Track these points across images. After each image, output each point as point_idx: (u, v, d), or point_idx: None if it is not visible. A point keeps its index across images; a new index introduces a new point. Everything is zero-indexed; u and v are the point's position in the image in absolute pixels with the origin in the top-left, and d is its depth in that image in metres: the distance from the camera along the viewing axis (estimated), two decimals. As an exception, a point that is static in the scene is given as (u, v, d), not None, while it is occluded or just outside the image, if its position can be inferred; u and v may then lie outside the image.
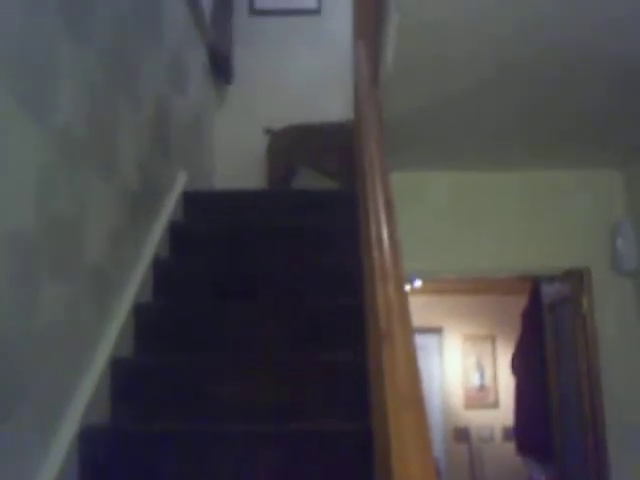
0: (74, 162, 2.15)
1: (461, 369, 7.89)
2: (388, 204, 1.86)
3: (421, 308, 6.98)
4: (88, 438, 2.04)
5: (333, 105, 4.68)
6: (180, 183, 3.47)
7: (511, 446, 6.45)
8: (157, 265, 2.87)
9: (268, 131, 4.15)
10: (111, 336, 2.37)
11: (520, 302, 5.86)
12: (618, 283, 4.23)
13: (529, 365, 5.62)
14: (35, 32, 1.89)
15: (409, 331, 1.36)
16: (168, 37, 3.40)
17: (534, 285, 5.46)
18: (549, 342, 5.04)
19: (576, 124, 3.75)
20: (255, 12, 5.11)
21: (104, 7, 2.47)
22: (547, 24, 2.79)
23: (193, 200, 3.48)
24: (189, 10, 3.85)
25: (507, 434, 7.26)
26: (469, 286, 7.13)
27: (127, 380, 2.33)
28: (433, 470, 1.03)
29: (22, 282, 1.78)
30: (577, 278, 4.32)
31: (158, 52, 3.22)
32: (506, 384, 7.33)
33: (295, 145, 4.10)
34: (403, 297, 1.46)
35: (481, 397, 7.79)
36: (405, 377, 1.23)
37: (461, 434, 7.65)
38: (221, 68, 4.63)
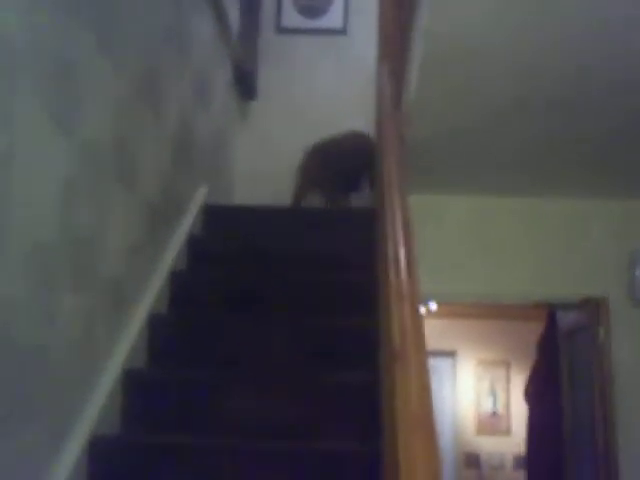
0: (97, 175, 2.17)
1: (474, 394, 7.83)
2: (406, 225, 1.87)
3: (435, 331, 6.95)
4: (98, 449, 2.04)
5: (356, 126, 4.69)
6: (200, 197, 3.49)
7: (521, 474, 6.38)
8: (174, 278, 2.89)
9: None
10: (125, 348, 2.38)
11: (535, 329, 5.82)
12: (635, 313, 4.19)
13: (543, 393, 5.57)
14: (68, 47, 1.92)
15: (423, 352, 1.36)
16: (194, 53, 3.44)
17: (550, 312, 5.42)
18: (564, 370, 5.00)
19: (594, 153, 3.74)
20: (281, 30, 5.16)
21: (134, 23, 2.50)
22: (565, 56, 2.80)
23: (213, 214, 3.50)
24: (216, 26, 3.89)
25: (518, 462, 7.17)
26: (484, 311, 7.09)
27: (139, 392, 2.34)
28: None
29: (42, 292, 1.80)
30: (594, 307, 4.28)
31: (184, 67, 3.25)
32: (519, 411, 7.26)
33: (324, 168, 4.18)
34: (418, 318, 1.46)
35: (493, 423, 7.72)
36: (417, 398, 1.23)
37: (471, 460, 7.57)
38: (245, 85, 4.67)
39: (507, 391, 7.76)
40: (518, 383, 7.25)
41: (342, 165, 4.13)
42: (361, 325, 2.53)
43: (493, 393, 7.81)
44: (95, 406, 2.12)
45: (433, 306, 6.42)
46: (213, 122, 3.92)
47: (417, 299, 1.55)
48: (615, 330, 4.18)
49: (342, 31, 5.14)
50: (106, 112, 2.24)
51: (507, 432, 7.64)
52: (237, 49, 4.41)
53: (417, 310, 1.51)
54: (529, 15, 2.56)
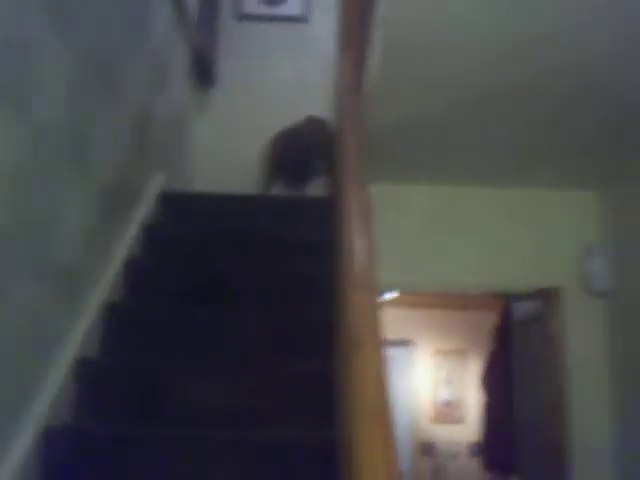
0: (48, 159, 2.12)
1: (430, 383, 7.91)
2: (364, 214, 1.86)
3: (393, 320, 6.99)
4: (50, 439, 2.00)
5: (316, 112, 4.68)
6: (157, 184, 3.45)
7: (475, 462, 6.48)
8: (129, 265, 2.85)
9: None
10: (78, 335, 2.34)
11: (492, 319, 5.90)
12: (589, 304, 4.27)
13: (498, 382, 5.65)
14: (18, 29, 1.87)
15: (380, 341, 1.36)
16: (152, 38, 3.38)
17: (506, 302, 5.49)
18: (518, 360, 5.07)
19: (556, 145, 3.79)
20: (242, 17, 5.11)
21: (88, 5, 2.45)
22: (533, 52, 2.82)
23: (170, 201, 3.46)
24: (174, 12, 3.84)
25: (472, 450, 7.27)
26: (441, 300, 7.16)
27: (92, 381, 2.30)
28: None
29: (-10, 276, 1.76)
30: (548, 297, 4.35)
31: (141, 52, 3.20)
32: (474, 400, 7.37)
33: (285, 151, 4.17)
34: (375, 307, 1.46)
35: (448, 412, 7.81)
36: (373, 386, 1.22)
37: (427, 448, 7.66)
38: (204, 72, 4.61)
39: (462, 380, 7.86)
40: (474, 372, 7.35)
41: (301, 151, 4.13)
42: (322, 313, 2.52)
43: (449, 382, 7.90)
44: (47, 395, 2.08)
45: (391, 295, 6.45)
46: (171, 108, 3.87)
47: (375, 288, 1.55)
48: (568, 320, 4.25)
49: (303, 19, 5.11)
50: (59, 95, 2.18)
51: (462, 420, 7.74)
52: (196, 36, 4.36)
53: (375, 299, 1.51)
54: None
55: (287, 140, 4.20)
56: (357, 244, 1.69)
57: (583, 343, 4.21)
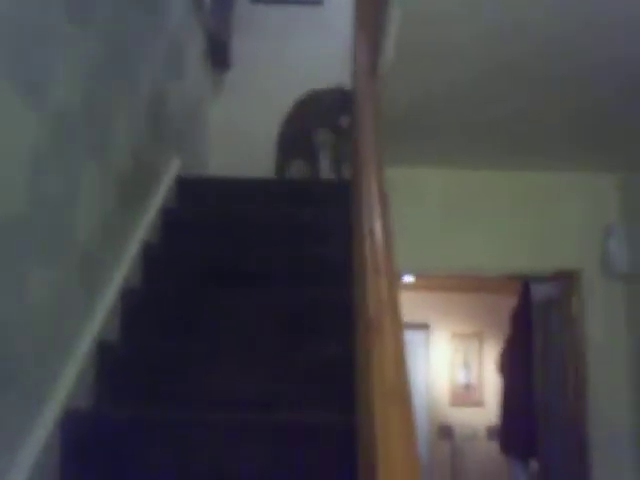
0: (67, 144, 2.12)
1: (447, 367, 7.90)
2: (382, 197, 1.85)
3: (409, 304, 6.97)
4: (71, 422, 2.02)
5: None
6: (174, 168, 3.45)
7: (494, 445, 6.48)
8: (147, 250, 2.85)
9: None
10: (98, 320, 2.35)
11: (509, 301, 5.87)
12: (608, 286, 4.24)
13: (516, 364, 5.64)
14: (33, 13, 1.86)
15: (398, 323, 1.35)
16: (167, 21, 3.37)
17: (524, 285, 5.47)
18: (537, 342, 5.05)
19: (573, 127, 3.75)
20: (256, 0, 5.08)
21: (103, -13, 2.44)
22: (550, 22, 2.78)
23: (186, 186, 3.46)
24: (189, -5, 3.82)
25: (490, 433, 7.27)
26: (458, 283, 7.14)
27: (112, 364, 2.31)
28: (418, 462, 1.02)
29: (10, 264, 1.76)
30: (567, 279, 4.32)
31: (156, 36, 3.19)
32: (492, 383, 7.36)
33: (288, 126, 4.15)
34: (394, 290, 1.45)
35: (466, 395, 7.81)
36: (392, 369, 1.22)
37: (445, 431, 7.67)
38: (219, 55, 4.60)
39: (480, 363, 7.85)
40: (491, 355, 7.34)
41: (302, 122, 4.10)
42: (339, 297, 2.52)
43: (466, 365, 7.89)
44: (68, 379, 2.09)
45: (408, 279, 6.44)
46: (186, 92, 3.87)
47: (393, 271, 1.54)
48: (587, 303, 4.23)
49: (318, 1, 5.08)
50: (76, 80, 2.18)
51: (480, 403, 7.73)
52: (211, 19, 4.34)
53: (393, 282, 1.50)
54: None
55: (290, 115, 4.17)
56: (377, 227, 1.67)
57: (602, 325, 4.19)
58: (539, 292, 5.05)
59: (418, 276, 6.16)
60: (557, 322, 4.54)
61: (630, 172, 4.24)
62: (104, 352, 2.30)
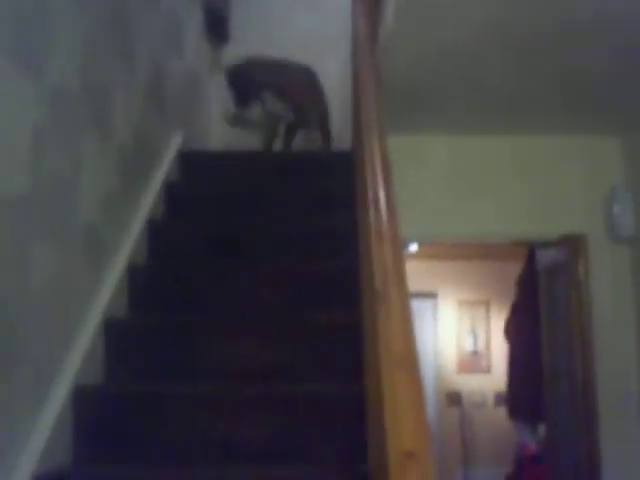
0: (68, 121, 2.11)
1: (455, 334, 7.93)
2: (385, 165, 1.84)
3: (416, 273, 6.97)
4: (81, 398, 2.03)
5: (331, 65, 4.61)
6: (175, 144, 3.43)
7: (502, 411, 6.52)
8: (151, 225, 2.85)
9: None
10: (105, 296, 2.36)
11: (515, 268, 5.87)
12: (614, 250, 4.23)
13: (523, 330, 5.65)
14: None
15: (405, 291, 1.35)
16: (164, -6, 3.34)
17: (530, 251, 5.46)
18: (543, 308, 5.06)
19: (576, 90, 3.72)
20: (253, -30, 5.01)
21: (98, -40, 2.41)
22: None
23: (188, 160, 3.44)
24: (186, -33, 3.78)
25: (498, 399, 7.32)
26: (464, 251, 7.13)
27: (120, 340, 2.32)
28: (427, 428, 1.03)
29: (15, 242, 1.76)
30: (573, 244, 4.32)
31: (154, 9, 3.16)
32: (499, 350, 7.38)
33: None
34: (399, 258, 1.45)
35: (474, 362, 7.84)
36: (400, 337, 1.22)
37: (453, 399, 7.71)
38: (218, 29, 4.55)
39: (487, 330, 7.87)
40: (498, 322, 7.35)
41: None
42: (345, 267, 2.52)
43: (474, 333, 7.92)
44: (77, 355, 2.10)
45: (413, 247, 6.44)
46: (186, 67, 3.84)
47: (398, 239, 1.54)
48: (594, 266, 4.22)
49: (315, -31, 5.01)
50: (75, 57, 2.17)
51: (488, 370, 7.77)
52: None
53: (398, 250, 1.49)
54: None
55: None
56: (381, 195, 1.67)
57: (608, 289, 4.19)
58: (545, 257, 5.04)
59: (424, 245, 6.16)
60: (563, 287, 4.54)
61: (633, 134, 4.21)
62: (112, 329, 2.31)
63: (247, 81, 3.86)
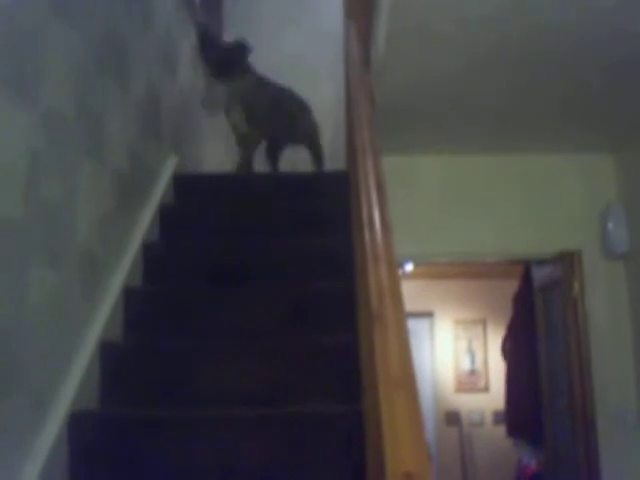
0: (63, 145, 2.12)
1: (452, 353, 7.91)
2: (379, 185, 1.85)
3: (412, 292, 6.99)
4: (77, 423, 2.02)
5: (324, 86, 4.65)
6: (170, 166, 3.44)
7: (501, 430, 6.49)
8: (147, 249, 2.85)
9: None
10: (100, 320, 2.36)
11: (511, 286, 5.87)
12: (609, 266, 4.24)
13: (520, 348, 5.65)
14: (21, 13, 1.86)
15: (401, 312, 1.35)
16: (157, 19, 3.36)
17: (525, 268, 5.47)
18: (540, 325, 5.06)
19: (569, 108, 3.74)
20: (245, -7, 5.06)
21: (91, -14, 2.43)
22: (543, 5, 2.77)
23: (183, 183, 3.45)
24: (179, -9, 3.81)
25: (497, 418, 7.29)
26: (460, 270, 7.13)
27: (116, 364, 2.32)
28: (425, 450, 1.03)
29: (10, 266, 1.76)
30: (568, 261, 4.32)
31: (148, 33, 3.18)
32: (497, 368, 7.36)
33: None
34: (395, 278, 1.45)
35: (472, 381, 7.82)
36: (396, 358, 1.22)
37: (452, 418, 7.68)
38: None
39: (484, 349, 7.86)
40: (495, 340, 7.34)
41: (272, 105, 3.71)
42: (342, 288, 2.52)
43: (471, 351, 7.90)
44: (73, 380, 2.09)
45: (409, 267, 6.44)
46: (180, 89, 3.86)
47: (393, 259, 1.54)
48: (589, 283, 4.23)
49: (307, -7, 5.06)
50: (68, 80, 2.18)
51: (486, 389, 7.75)
52: (201, 14, 4.32)
53: (394, 270, 1.50)
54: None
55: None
56: (375, 216, 1.67)
57: (604, 305, 4.19)
58: (540, 275, 5.05)
59: (419, 264, 6.16)
60: (559, 304, 4.54)
61: (627, 152, 4.23)
62: (108, 352, 2.31)
63: (235, 55, 3.65)
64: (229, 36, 4.82)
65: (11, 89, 1.79)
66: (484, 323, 7.89)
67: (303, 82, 4.40)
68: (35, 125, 1.92)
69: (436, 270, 7.19)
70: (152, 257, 2.85)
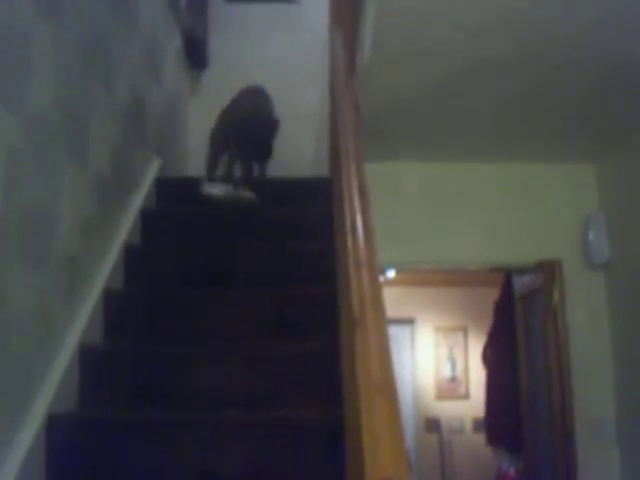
0: (45, 147, 2.11)
1: (433, 360, 7.93)
2: (363, 192, 1.85)
3: (394, 299, 6.99)
4: (55, 425, 2.01)
5: (309, 93, 4.66)
6: (154, 170, 3.43)
7: (481, 437, 6.51)
8: (128, 252, 2.84)
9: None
10: (80, 323, 2.34)
11: (492, 294, 5.90)
12: (589, 276, 4.27)
13: (500, 356, 5.67)
14: (4, 13, 1.85)
15: (382, 318, 1.35)
16: (143, 22, 3.35)
17: (506, 277, 5.50)
18: (520, 333, 5.08)
19: (553, 118, 3.77)
20: (232, -1, 5.06)
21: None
22: (528, 20, 2.80)
23: (166, 187, 3.44)
24: (164, -5, 3.80)
25: (477, 425, 7.31)
26: (441, 278, 7.16)
27: (95, 367, 2.30)
28: (405, 456, 1.03)
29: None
30: (549, 270, 4.35)
31: (132, 37, 3.17)
32: (477, 376, 7.38)
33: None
34: (376, 284, 1.46)
35: (452, 388, 7.84)
36: (377, 363, 1.22)
37: (432, 425, 7.69)
38: (196, 54, 4.58)
39: (465, 356, 7.88)
40: (476, 348, 7.37)
41: (241, 126, 3.52)
42: (323, 294, 2.52)
43: (451, 359, 7.92)
44: (51, 382, 2.08)
45: (391, 274, 6.45)
46: (165, 93, 3.85)
47: (375, 266, 1.55)
48: (569, 293, 4.26)
49: (293, -1, 5.07)
50: (50, 81, 2.16)
51: (466, 396, 7.76)
52: (186, 18, 4.32)
53: (375, 276, 1.50)
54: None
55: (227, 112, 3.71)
56: (358, 222, 1.68)
57: (584, 315, 4.22)
58: (521, 283, 5.07)
59: (401, 271, 6.18)
60: (539, 312, 4.57)
61: (608, 162, 4.27)
62: (87, 354, 2.29)
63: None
64: (214, 40, 4.83)
65: (-6, 89, 1.78)
66: (465, 330, 7.91)
67: (287, 87, 4.42)
68: (18, 127, 1.91)
69: (418, 277, 7.21)
70: (133, 260, 2.83)
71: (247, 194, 3.32)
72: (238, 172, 3.62)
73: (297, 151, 4.39)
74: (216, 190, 3.30)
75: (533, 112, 3.70)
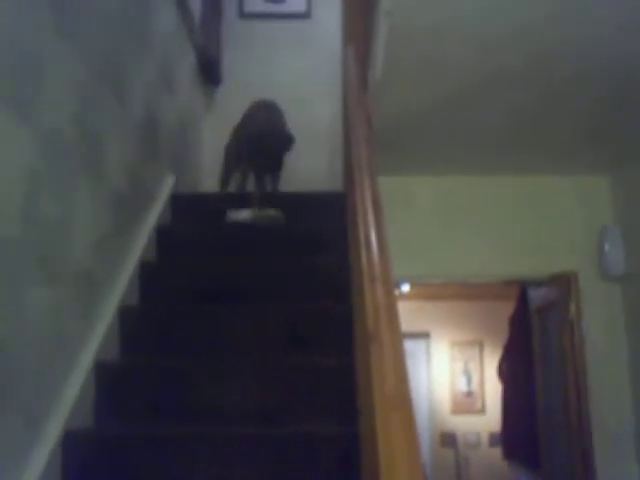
0: (61, 164, 2.13)
1: (448, 375, 7.89)
2: (377, 206, 1.86)
3: (409, 313, 6.97)
4: (72, 441, 2.01)
5: (322, 108, 4.68)
6: (168, 186, 3.45)
7: (497, 452, 6.45)
8: (144, 268, 2.85)
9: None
10: (96, 339, 2.35)
11: (508, 307, 5.87)
12: (605, 288, 4.24)
13: (516, 370, 5.63)
14: (21, 31, 1.87)
15: (397, 333, 1.35)
16: (157, 39, 3.39)
17: (522, 290, 5.47)
18: (536, 347, 5.04)
19: (565, 130, 3.76)
20: (245, 15, 5.10)
21: (92, 7, 2.45)
22: (538, 33, 2.80)
23: (181, 203, 3.46)
24: (178, 12, 3.84)
25: (493, 440, 7.25)
26: (456, 291, 7.13)
27: (111, 383, 2.31)
28: (421, 470, 1.02)
29: (7, 284, 1.76)
30: (564, 283, 4.32)
31: (147, 54, 3.20)
32: (493, 390, 7.33)
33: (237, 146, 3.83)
34: (392, 299, 1.45)
35: (468, 403, 7.79)
36: (393, 378, 1.22)
37: (448, 439, 7.64)
38: (210, 71, 4.61)
39: (481, 370, 7.84)
40: (491, 362, 7.33)
41: (255, 141, 3.57)
42: (338, 309, 2.52)
43: (467, 373, 7.87)
44: (68, 398, 2.09)
45: (405, 288, 6.44)
46: (179, 110, 3.88)
47: (390, 280, 1.55)
48: (585, 305, 4.23)
49: (306, 15, 5.10)
50: (68, 100, 2.19)
51: (482, 411, 7.72)
52: (200, 35, 4.36)
53: (390, 291, 1.50)
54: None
55: (240, 126, 3.83)
56: (372, 236, 1.68)
57: (601, 327, 4.19)
58: (536, 296, 5.04)
59: (416, 285, 6.16)
60: (555, 325, 4.54)
61: (622, 173, 4.25)
62: (103, 370, 2.30)
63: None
64: (228, 57, 4.87)
65: (12, 107, 1.80)
66: (481, 344, 7.87)
67: (300, 103, 4.44)
68: (35, 144, 1.93)
69: (432, 291, 7.19)
70: (149, 276, 2.84)
71: (271, 212, 3.33)
72: (250, 187, 3.65)
73: (311, 166, 4.41)
74: (242, 215, 3.32)
75: (544, 125, 3.69)
